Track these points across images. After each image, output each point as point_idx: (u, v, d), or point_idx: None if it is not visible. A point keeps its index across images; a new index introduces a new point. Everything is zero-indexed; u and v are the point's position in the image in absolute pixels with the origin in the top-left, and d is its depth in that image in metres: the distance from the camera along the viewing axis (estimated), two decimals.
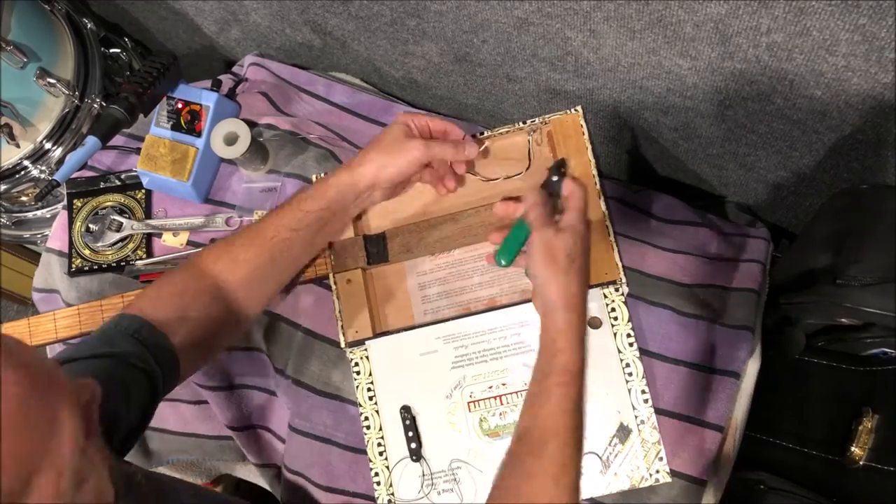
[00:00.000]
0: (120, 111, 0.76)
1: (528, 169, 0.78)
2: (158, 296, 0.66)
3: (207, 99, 0.84)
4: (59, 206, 1.06)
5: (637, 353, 0.71)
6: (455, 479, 0.71)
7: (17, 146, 1.01)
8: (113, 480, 0.45)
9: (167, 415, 0.85)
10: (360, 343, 0.75)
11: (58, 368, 0.41)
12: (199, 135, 0.84)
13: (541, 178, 0.78)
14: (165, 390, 0.63)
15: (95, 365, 0.58)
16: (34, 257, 1.41)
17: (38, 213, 1.15)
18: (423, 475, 0.72)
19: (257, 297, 0.70)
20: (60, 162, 1.05)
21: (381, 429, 0.73)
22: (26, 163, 1.03)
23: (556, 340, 0.59)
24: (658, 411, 0.70)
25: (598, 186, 0.75)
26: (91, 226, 0.86)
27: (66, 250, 0.86)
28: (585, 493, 0.69)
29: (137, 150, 0.87)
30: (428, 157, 0.70)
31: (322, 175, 0.81)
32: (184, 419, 0.85)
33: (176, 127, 0.84)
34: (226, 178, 0.87)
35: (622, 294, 0.72)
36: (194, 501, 0.66)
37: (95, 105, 1.06)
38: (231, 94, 0.92)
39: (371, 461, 0.73)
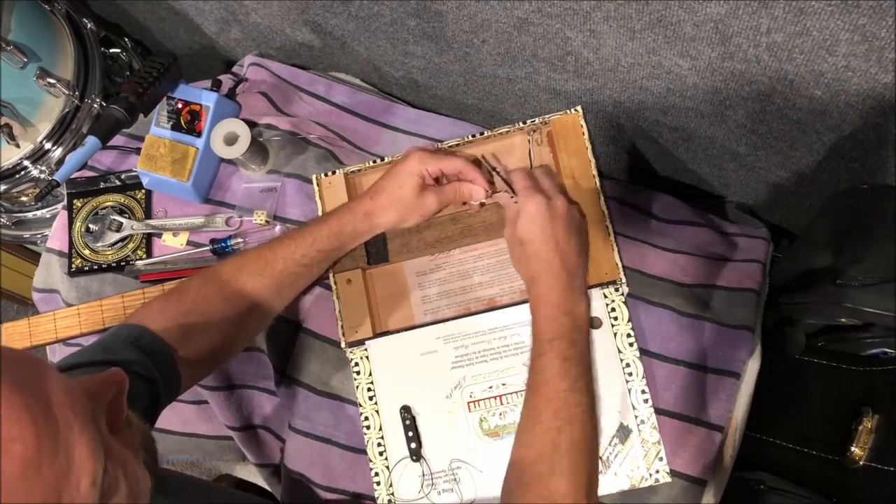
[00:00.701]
0: (120, 111, 0.76)
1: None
2: (163, 309, 0.66)
3: (207, 99, 0.84)
4: (59, 206, 1.06)
5: (637, 353, 0.71)
6: (455, 479, 0.71)
7: (17, 146, 1.01)
8: (148, 463, 0.44)
9: (167, 415, 0.85)
10: (360, 343, 0.75)
11: (70, 388, 0.36)
12: (199, 135, 0.84)
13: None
14: (167, 398, 0.64)
15: (94, 372, 0.58)
16: (34, 257, 1.41)
17: (38, 213, 1.15)
18: (423, 475, 0.72)
19: (259, 321, 0.72)
20: (60, 162, 1.05)
21: (381, 429, 0.73)
22: (26, 163, 1.03)
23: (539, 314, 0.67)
24: (658, 411, 0.70)
25: (598, 186, 0.75)
26: (91, 226, 0.86)
27: (66, 250, 0.86)
28: None
29: (137, 150, 0.87)
30: (442, 206, 0.74)
31: (322, 176, 0.81)
32: (184, 419, 0.85)
33: (176, 127, 0.84)
34: (226, 178, 0.87)
35: (622, 294, 0.72)
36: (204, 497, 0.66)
37: (95, 105, 1.06)
38: (231, 94, 0.92)
39: (371, 461, 0.73)
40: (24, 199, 1.12)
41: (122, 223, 0.85)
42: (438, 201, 0.73)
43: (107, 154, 0.90)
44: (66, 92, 1.02)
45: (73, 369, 0.57)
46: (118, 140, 0.91)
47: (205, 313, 0.67)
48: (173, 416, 0.85)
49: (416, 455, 0.72)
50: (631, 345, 0.71)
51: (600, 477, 0.68)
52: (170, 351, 0.63)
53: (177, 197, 0.87)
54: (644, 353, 0.72)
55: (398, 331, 0.75)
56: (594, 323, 0.72)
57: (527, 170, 0.74)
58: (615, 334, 0.71)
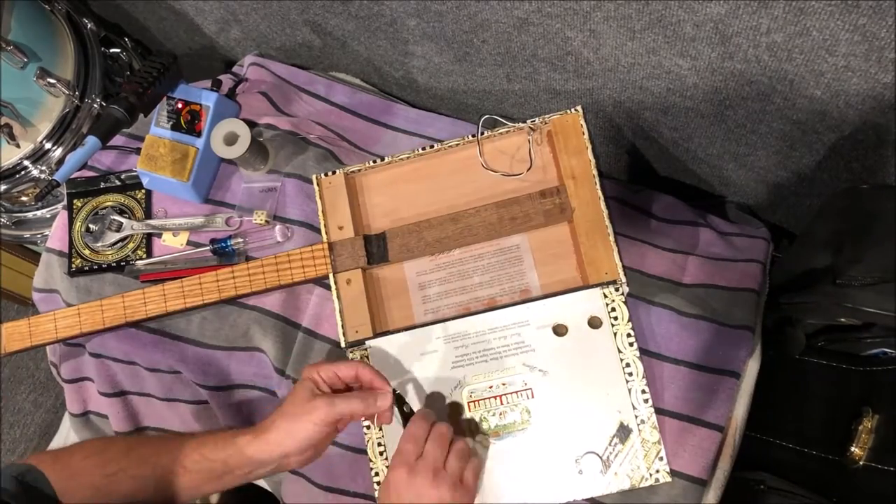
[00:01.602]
0: (120, 111, 0.76)
1: (528, 169, 0.78)
2: (55, 460, 0.62)
3: (207, 99, 0.84)
4: (59, 206, 1.06)
5: (637, 353, 0.71)
6: None
7: (18, 146, 1.01)
8: None
9: (167, 415, 0.85)
10: (360, 343, 0.75)
11: None
12: (199, 135, 0.84)
13: (541, 179, 0.78)
14: None
15: None
16: (34, 257, 1.41)
17: (38, 213, 1.15)
18: None
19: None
20: (60, 162, 1.05)
21: (381, 429, 0.73)
22: (26, 163, 1.03)
23: None
24: (658, 411, 0.70)
25: (598, 186, 0.75)
26: (91, 226, 0.86)
27: (66, 250, 0.86)
28: (585, 493, 0.69)
29: (137, 150, 0.87)
30: (334, 415, 0.63)
31: (322, 176, 0.81)
32: (184, 419, 0.85)
33: (176, 127, 0.84)
34: (226, 178, 0.87)
35: (622, 294, 0.72)
36: None
37: (95, 105, 1.06)
38: (231, 94, 0.92)
39: (371, 461, 0.73)
40: (24, 199, 1.12)
41: (122, 223, 0.85)
42: (329, 409, 0.63)
43: (107, 154, 0.90)
44: (67, 92, 1.02)
45: None
46: (118, 140, 0.91)
47: (90, 482, 0.62)
48: (173, 416, 0.85)
49: None
50: (631, 345, 0.71)
51: (600, 477, 0.68)
52: (55, 495, 0.59)
53: (177, 197, 0.87)
54: (644, 352, 0.72)
55: (398, 331, 0.75)
56: (594, 322, 0.72)
57: (422, 427, 0.64)
58: (615, 334, 0.71)
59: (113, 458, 0.64)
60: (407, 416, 0.68)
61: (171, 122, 0.85)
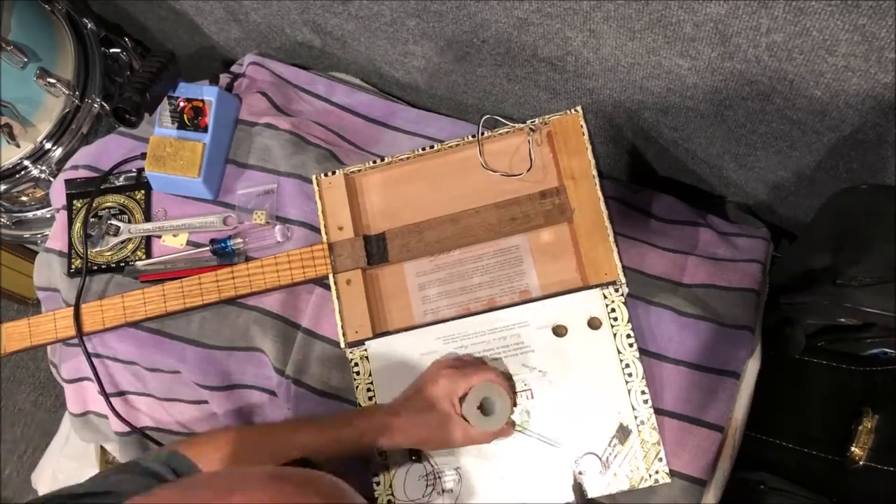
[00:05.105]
0: (127, 109, 0.75)
1: (528, 170, 0.78)
2: (200, 452, 0.63)
3: (209, 94, 0.84)
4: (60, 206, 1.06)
5: (637, 354, 0.71)
6: (455, 480, 0.71)
7: (18, 146, 1.01)
8: None
9: (167, 415, 0.85)
10: (360, 343, 0.75)
11: None
12: (204, 130, 0.83)
13: (541, 180, 0.78)
14: None
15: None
16: (34, 257, 1.41)
17: (38, 213, 1.16)
18: (423, 475, 0.72)
19: None
20: (60, 162, 1.05)
21: None
22: (26, 163, 1.04)
23: None
24: (658, 411, 0.70)
25: (598, 186, 0.75)
26: (89, 231, 0.86)
27: (66, 250, 0.86)
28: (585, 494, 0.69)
29: (142, 156, 0.87)
30: (468, 444, 0.69)
31: (322, 176, 0.81)
32: (184, 419, 0.85)
33: (180, 125, 0.84)
34: (225, 178, 0.87)
35: (622, 294, 0.72)
36: None
37: (95, 105, 1.06)
38: (228, 91, 0.92)
39: (371, 461, 0.73)
40: (24, 199, 1.12)
41: (119, 227, 0.85)
42: (464, 438, 0.68)
43: (110, 159, 0.90)
44: (67, 92, 1.02)
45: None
46: (123, 147, 0.90)
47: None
48: (173, 416, 0.85)
49: (417, 455, 0.72)
50: (631, 345, 0.71)
51: (600, 477, 0.68)
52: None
53: (189, 196, 0.86)
54: (644, 353, 0.72)
55: (398, 331, 0.75)
56: (594, 323, 0.72)
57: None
58: (615, 335, 0.71)
59: (245, 457, 0.64)
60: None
61: (174, 121, 0.84)
